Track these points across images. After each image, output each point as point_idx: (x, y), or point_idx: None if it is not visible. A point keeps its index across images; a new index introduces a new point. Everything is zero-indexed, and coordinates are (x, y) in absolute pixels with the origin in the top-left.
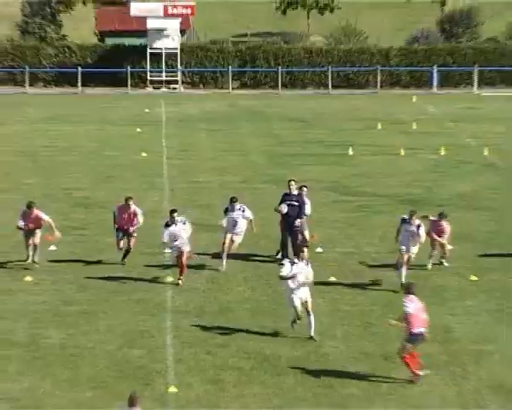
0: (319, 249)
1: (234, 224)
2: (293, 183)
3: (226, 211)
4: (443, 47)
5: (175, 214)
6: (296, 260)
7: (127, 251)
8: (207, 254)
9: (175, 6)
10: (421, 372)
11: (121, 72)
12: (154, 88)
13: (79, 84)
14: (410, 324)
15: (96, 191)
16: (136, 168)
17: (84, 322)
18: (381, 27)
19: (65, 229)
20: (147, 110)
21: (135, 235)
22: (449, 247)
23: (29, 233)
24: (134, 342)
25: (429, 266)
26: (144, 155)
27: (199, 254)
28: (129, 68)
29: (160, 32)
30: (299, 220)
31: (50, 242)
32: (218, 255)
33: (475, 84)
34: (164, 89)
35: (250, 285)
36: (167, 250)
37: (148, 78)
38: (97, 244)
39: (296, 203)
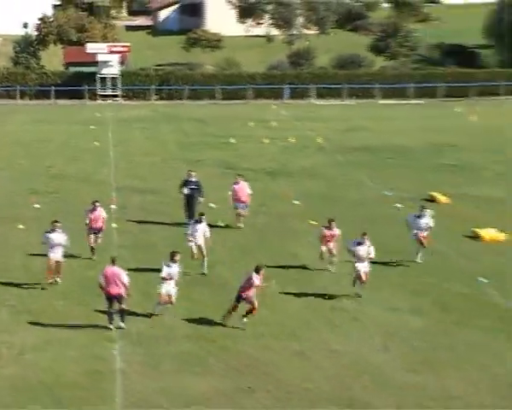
0: (212, 205)
1: (198, 234)
2: (192, 173)
3: (196, 222)
4: (291, 72)
5: (58, 224)
6: (170, 264)
7: (93, 248)
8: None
9: (116, 46)
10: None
11: (81, 89)
12: (102, 100)
13: (53, 97)
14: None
15: (66, 168)
16: (92, 152)
17: None
18: (250, 59)
19: (45, 194)
20: (98, 114)
21: (100, 235)
22: (335, 252)
23: None
24: (92, 267)
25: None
26: (97, 143)
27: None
28: (86, 87)
29: (106, 63)
30: (200, 199)
31: (34, 202)
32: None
33: (312, 96)
34: (109, 101)
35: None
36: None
37: (99, 93)
38: (66, 203)
39: (196, 187)
